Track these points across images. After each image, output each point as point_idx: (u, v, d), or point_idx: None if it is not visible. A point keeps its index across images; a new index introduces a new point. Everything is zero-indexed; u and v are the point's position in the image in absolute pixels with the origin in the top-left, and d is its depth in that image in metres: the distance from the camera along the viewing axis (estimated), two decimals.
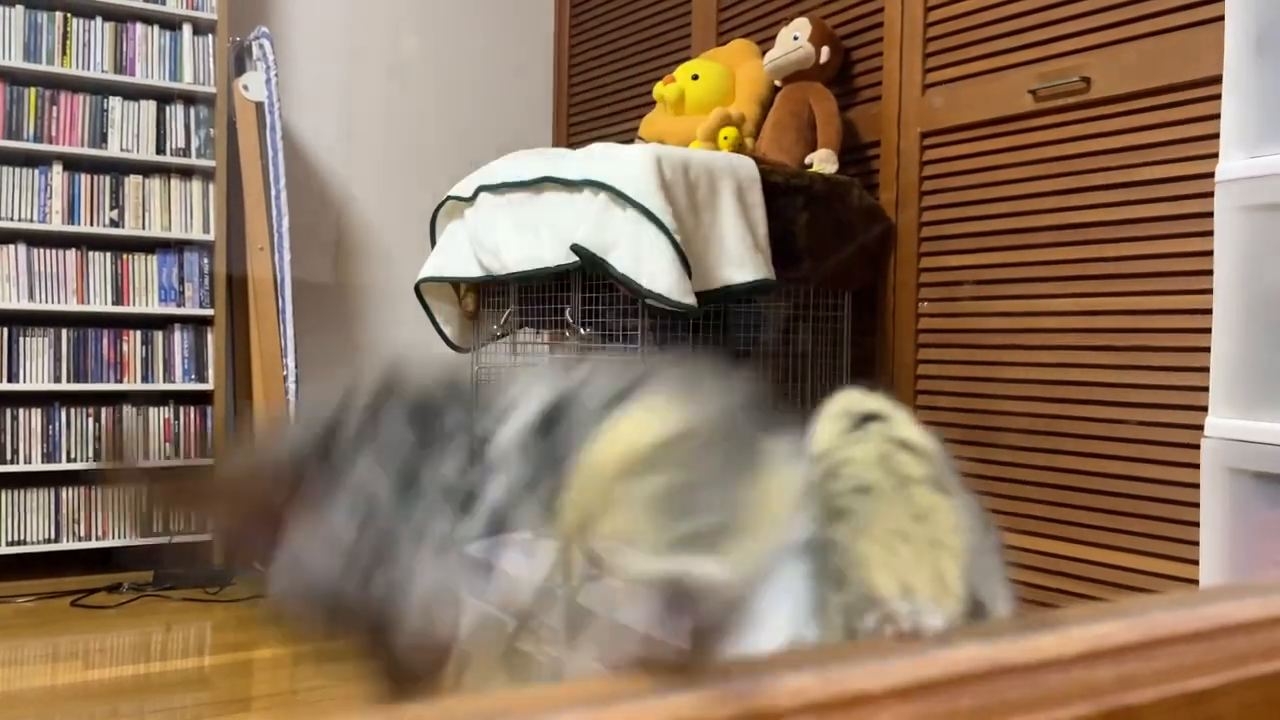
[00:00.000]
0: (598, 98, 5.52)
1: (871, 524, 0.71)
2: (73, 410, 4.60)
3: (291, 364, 4.80)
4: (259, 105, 4.84)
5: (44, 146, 4.50)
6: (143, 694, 3.16)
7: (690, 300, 2.96)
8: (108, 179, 4.63)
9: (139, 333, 4.68)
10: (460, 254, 3.72)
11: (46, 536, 4.55)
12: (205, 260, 4.77)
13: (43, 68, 4.49)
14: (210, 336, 4.79)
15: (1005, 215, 3.36)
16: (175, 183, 4.74)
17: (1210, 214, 2.27)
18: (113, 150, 4.62)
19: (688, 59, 4.49)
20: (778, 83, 4.03)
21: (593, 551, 0.60)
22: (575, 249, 3.07)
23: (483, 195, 3.61)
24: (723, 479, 0.63)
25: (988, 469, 3.27)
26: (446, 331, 4.00)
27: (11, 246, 4.46)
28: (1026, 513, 3.21)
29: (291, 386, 4.92)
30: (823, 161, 3.74)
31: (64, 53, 4.55)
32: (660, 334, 3.08)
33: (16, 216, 4.47)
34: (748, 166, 3.30)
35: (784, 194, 3.37)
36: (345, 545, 0.63)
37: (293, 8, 5.24)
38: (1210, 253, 2.26)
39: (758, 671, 0.49)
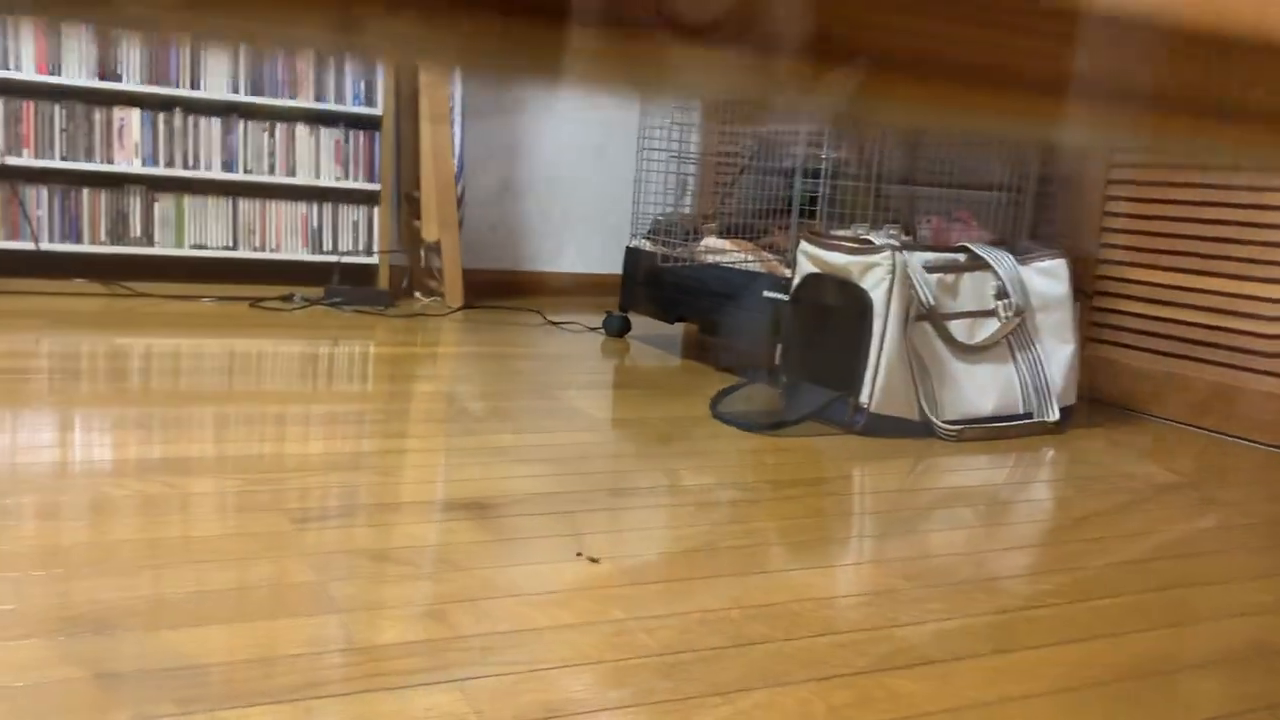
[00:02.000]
0: None
1: None
2: (250, 124, 4.71)
3: (458, 95, 4.79)
4: None
5: None
6: (312, 401, 3.37)
7: None
8: None
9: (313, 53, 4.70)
10: None
11: (225, 244, 4.77)
12: None
13: None
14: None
15: None
16: None
17: None
18: None
19: None
20: None
21: None
22: None
23: None
24: None
25: None
26: None
27: None
28: None
29: (458, 115, 4.94)
30: None
31: None
32: None
33: None
34: None
35: None
36: None
37: None
38: None
39: None
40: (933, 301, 3.34)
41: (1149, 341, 3.94)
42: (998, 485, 3.11)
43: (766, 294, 3.67)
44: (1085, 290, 3.83)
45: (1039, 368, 3.50)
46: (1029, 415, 3.47)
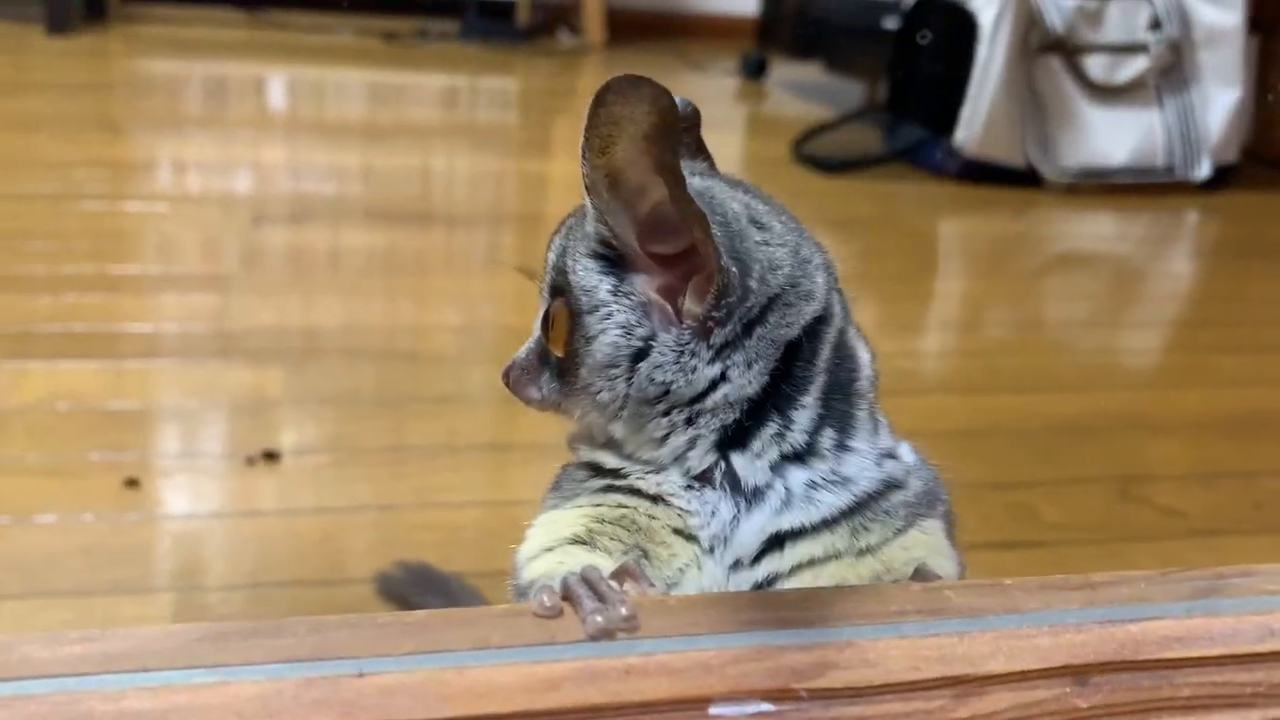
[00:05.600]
0: None
1: None
2: None
3: None
4: None
5: None
6: (453, 135, 3.32)
7: None
8: None
9: None
10: None
11: None
12: None
13: None
14: None
15: None
16: None
17: None
18: None
19: None
20: None
21: None
22: None
23: None
24: None
25: None
26: None
27: None
28: None
29: None
30: None
31: None
32: None
33: None
34: None
35: None
36: None
37: None
38: None
39: None
40: (1061, 30, 2.87)
41: None
42: (1099, 247, 2.73)
43: (886, 24, 3.27)
44: (1267, 22, 3.18)
45: (1190, 115, 2.98)
46: (1169, 170, 2.98)
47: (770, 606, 0.49)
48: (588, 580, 0.50)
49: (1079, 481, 1.55)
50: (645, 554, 0.58)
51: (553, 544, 0.59)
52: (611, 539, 0.58)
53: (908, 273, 2.38)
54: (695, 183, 0.55)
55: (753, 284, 0.55)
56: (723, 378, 0.56)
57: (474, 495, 1.44)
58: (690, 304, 0.55)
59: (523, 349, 0.64)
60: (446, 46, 4.41)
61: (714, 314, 0.54)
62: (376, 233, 2.34)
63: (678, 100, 0.54)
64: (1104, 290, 2.44)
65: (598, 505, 0.60)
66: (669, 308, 0.56)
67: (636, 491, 0.60)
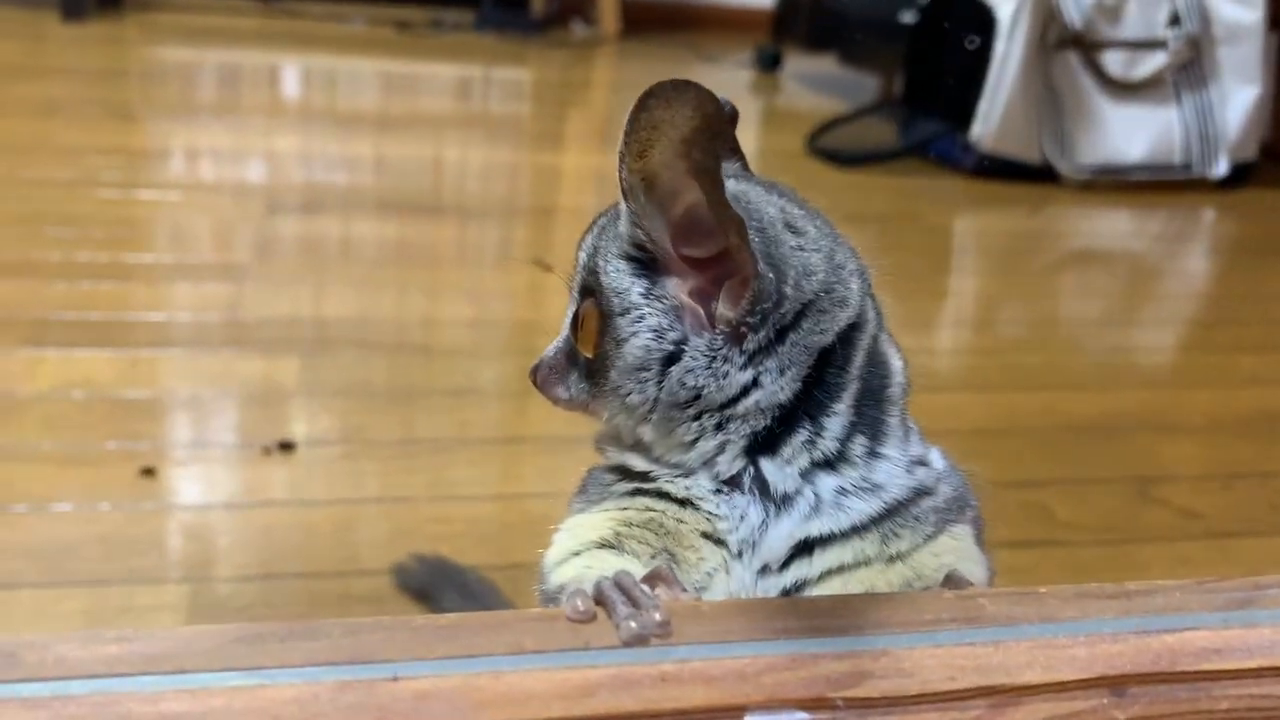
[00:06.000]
0: None
1: None
2: None
3: None
4: None
5: None
6: (467, 126, 3.32)
7: None
8: None
9: None
10: None
11: None
12: None
13: None
14: None
15: None
16: None
17: None
18: None
19: None
20: None
21: None
22: None
23: None
24: None
25: None
26: None
27: None
28: None
29: None
30: None
31: None
32: None
33: None
34: None
35: None
36: None
37: None
38: None
39: None
40: (1079, 25, 2.85)
41: None
42: (1115, 245, 2.71)
43: (902, 17, 3.26)
44: None
45: (1209, 112, 2.96)
46: (1186, 167, 2.97)
47: (804, 614, 0.49)
48: (621, 585, 0.50)
49: (1094, 481, 1.55)
50: (673, 558, 0.57)
51: (580, 548, 0.58)
52: (640, 543, 0.58)
53: (923, 269, 2.37)
54: (731, 186, 0.55)
55: (788, 290, 0.54)
56: (755, 383, 0.55)
57: (487, 488, 1.44)
58: (724, 309, 0.54)
59: (551, 347, 0.63)
60: (460, 37, 4.40)
61: (748, 319, 0.54)
62: (389, 224, 2.34)
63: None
64: (1120, 288, 2.43)
65: (625, 509, 0.60)
66: (701, 312, 0.55)
67: (665, 495, 0.59)
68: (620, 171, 0.52)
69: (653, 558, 0.57)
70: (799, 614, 0.49)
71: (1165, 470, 1.60)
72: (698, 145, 0.49)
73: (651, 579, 0.52)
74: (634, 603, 0.48)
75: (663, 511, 0.59)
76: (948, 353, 2.02)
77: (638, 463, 0.61)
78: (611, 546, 0.58)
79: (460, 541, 1.28)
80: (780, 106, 4.04)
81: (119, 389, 1.55)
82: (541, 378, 0.63)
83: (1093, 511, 1.47)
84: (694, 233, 0.54)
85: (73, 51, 3.50)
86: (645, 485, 0.60)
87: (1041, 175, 2.89)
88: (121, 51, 3.63)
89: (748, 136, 3.22)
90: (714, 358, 0.55)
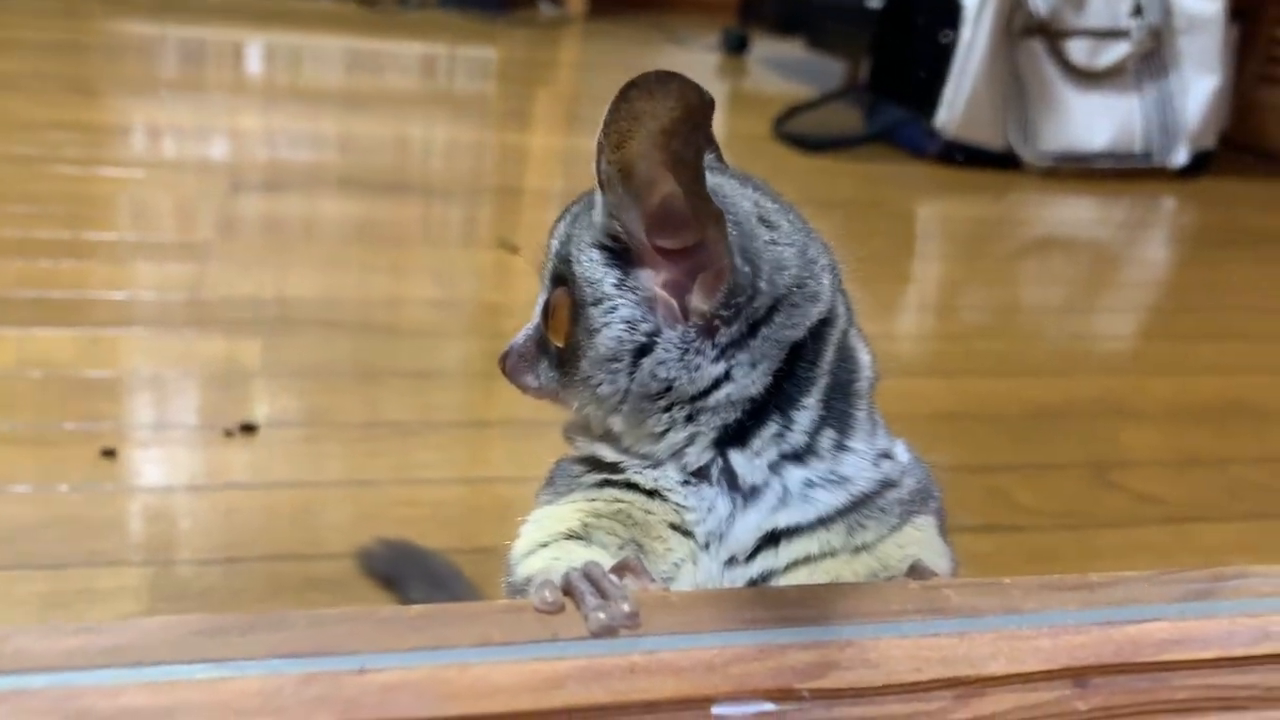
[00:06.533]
0: None
1: None
2: None
3: None
4: None
5: None
6: (433, 104, 3.29)
7: None
8: None
9: None
10: None
11: None
12: None
13: None
14: None
15: None
16: None
17: None
18: None
19: None
20: None
21: None
22: None
23: None
24: None
25: None
26: None
27: None
28: None
29: None
30: None
31: None
32: None
33: None
34: None
35: None
36: None
37: None
38: None
39: None
40: (1045, 13, 2.87)
41: None
42: (1076, 232, 2.74)
43: (870, 2, 3.26)
44: (1247, 11, 3.19)
45: (1169, 102, 2.99)
46: (1147, 156, 3.00)
47: (772, 604, 0.49)
48: (589, 576, 0.50)
49: (1055, 466, 1.56)
50: (641, 549, 0.58)
51: (547, 539, 0.58)
52: (608, 534, 0.58)
53: (887, 254, 2.38)
54: (708, 179, 0.54)
55: (762, 284, 0.54)
56: (726, 377, 0.55)
57: (452, 472, 1.44)
58: (698, 301, 0.54)
59: (521, 334, 0.63)
60: (427, 14, 4.36)
61: (721, 313, 0.54)
62: (354, 202, 2.32)
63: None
64: (1081, 275, 2.45)
65: (593, 500, 0.60)
66: (675, 304, 0.55)
67: (633, 486, 0.59)
68: (598, 161, 0.52)
69: (620, 549, 0.57)
70: (765, 604, 0.49)
71: (1124, 456, 1.61)
72: (678, 136, 0.49)
73: (620, 570, 0.52)
74: (602, 594, 0.48)
75: (631, 503, 0.59)
76: (912, 338, 2.03)
77: (607, 453, 0.61)
78: (579, 538, 0.58)
79: (425, 525, 1.28)
80: (747, 90, 4.04)
81: (79, 369, 1.53)
82: (511, 365, 0.63)
83: (1053, 496, 1.48)
84: (669, 224, 0.54)
85: (32, 24, 3.44)
86: (614, 476, 0.60)
87: (1005, 162, 2.91)
88: (83, 25, 3.57)
89: (715, 120, 3.22)
90: (686, 350, 0.55)
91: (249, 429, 1.42)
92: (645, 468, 0.59)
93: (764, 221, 0.57)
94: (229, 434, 1.41)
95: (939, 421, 1.63)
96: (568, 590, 0.49)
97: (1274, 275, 2.44)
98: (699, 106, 0.48)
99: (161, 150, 2.56)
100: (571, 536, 0.58)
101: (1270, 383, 1.88)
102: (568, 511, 0.60)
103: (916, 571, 0.57)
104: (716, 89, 3.54)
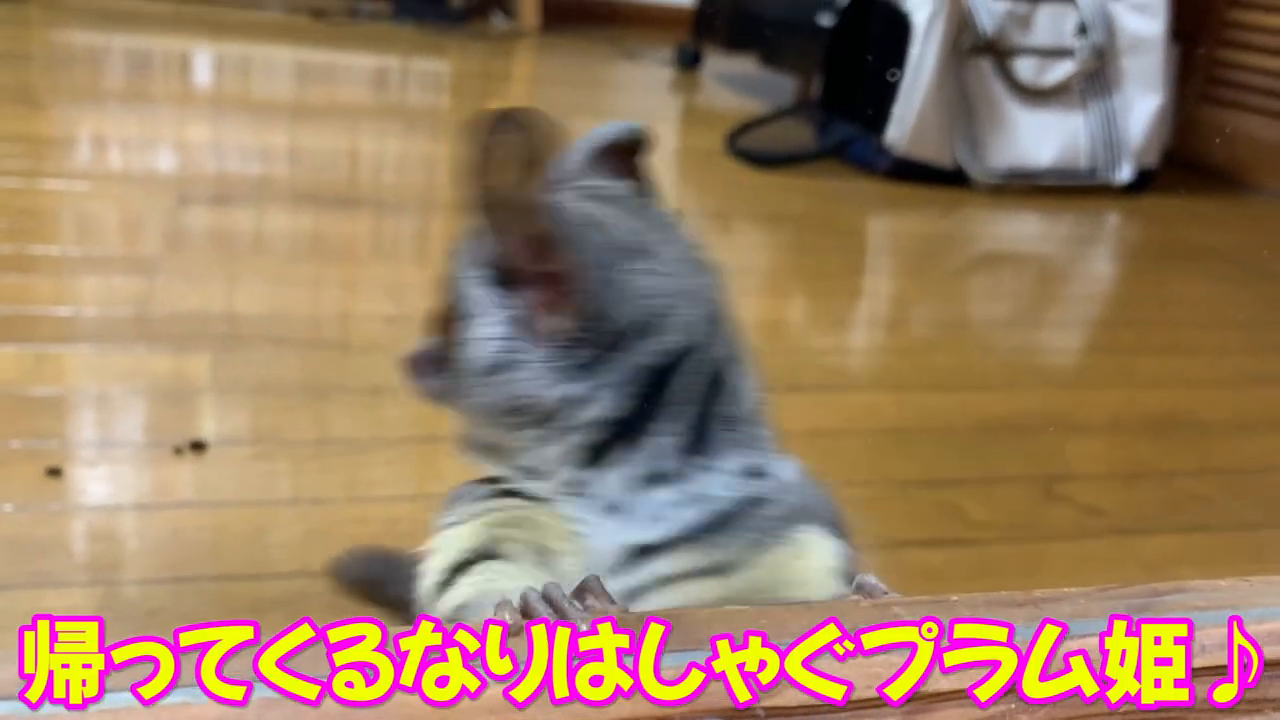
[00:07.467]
0: None
1: None
2: None
3: None
4: None
5: None
6: (385, 117, 3.27)
7: None
8: None
9: None
10: None
11: None
12: None
13: None
14: None
15: None
16: None
17: None
18: None
19: None
20: None
21: None
22: None
23: None
24: None
25: None
26: None
27: None
28: None
29: None
30: None
31: None
32: None
33: None
34: None
35: None
36: None
37: None
38: None
39: None
40: (991, 33, 2.92)
41: (1273, 103, 3.37)
42: (1023, 248, 2.78)
43: (820, 20, 3.29)
44: (1188, 32, 3.27)
45: (1113, 120, 3.05)
46: (1092, 173, 3.06)
47: (729, 623, 0.50)
48: (549, 598, 0.50)
49: (1004, 480, 1.59)
50: (547, 550, 0.60)
51: (461, 559, 0.60)
52: (514, 542, 0.60)
53: (838, 269, 2.40)
54: (586, 208, 0.59)
55: (617, 310, 0.57)
56: (586, 398, 0.58)
57: (404, 488, 1.43)
58: (556, 323, 0.57)
59: (425, 341, 0.67)
60: (378, 26, 4.35)
61: (579, 335, 0.57)
62: (304, 216, 2.31)
63: (624, 125, 0.64)
64: (1028, 290, 2.49)
65: (495, 510, 0.62)
66: (539, 324, 0.58)
67: (527, 495, 0.62)
68: (468, 188, 0.56)
69: (533, 553, 0.60)
70: (724, 623, 0.50)
71: (1070, 469, 1.64)
72: (527, 168, 0.54)
73: (581, 592, 0.53)
74: (563, 616, 0.49)
75: (534, 507, 0.61)
76: (861, 352, 2.05)
77: (498, 466, 0.64)
78: (494, 556, 0.59)
79: (378, 542, 1.27)
80: (700, 105, 4.07)
81: (23, 386, 1.50)
82: (410, 370, 0.67)
83: (1001, 510, 1.50)
84: (528, 250, 0.57)
85: None
86: (511, 486, 0.63)
87: (954, 179, 2.96)
88: (25, 34, 3.52)
89: (667, 134, 3.24)
90: (547, 369, 0.58)
91: (198, 446, 1.41)
92: (530, 479, 0.62)
93: (639, 250, 0.60)
94: (178, 451, 1.39)
95: (889, 435, 1.65)
96: (526, 613, 0.50)
97: (1215, 290, 2.50)
98: (540, 141, 0.54)
99: (107, 162, 2.53)
100: (486, 556, 0.60)
101: (1211, 396, 1.92)
102: (470, 531, 0.62)
103: (864, 590, 0.58)
104: (670, 104, 3.58)
